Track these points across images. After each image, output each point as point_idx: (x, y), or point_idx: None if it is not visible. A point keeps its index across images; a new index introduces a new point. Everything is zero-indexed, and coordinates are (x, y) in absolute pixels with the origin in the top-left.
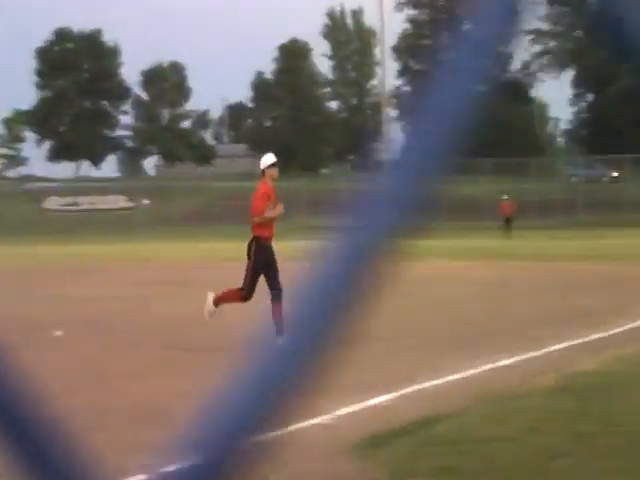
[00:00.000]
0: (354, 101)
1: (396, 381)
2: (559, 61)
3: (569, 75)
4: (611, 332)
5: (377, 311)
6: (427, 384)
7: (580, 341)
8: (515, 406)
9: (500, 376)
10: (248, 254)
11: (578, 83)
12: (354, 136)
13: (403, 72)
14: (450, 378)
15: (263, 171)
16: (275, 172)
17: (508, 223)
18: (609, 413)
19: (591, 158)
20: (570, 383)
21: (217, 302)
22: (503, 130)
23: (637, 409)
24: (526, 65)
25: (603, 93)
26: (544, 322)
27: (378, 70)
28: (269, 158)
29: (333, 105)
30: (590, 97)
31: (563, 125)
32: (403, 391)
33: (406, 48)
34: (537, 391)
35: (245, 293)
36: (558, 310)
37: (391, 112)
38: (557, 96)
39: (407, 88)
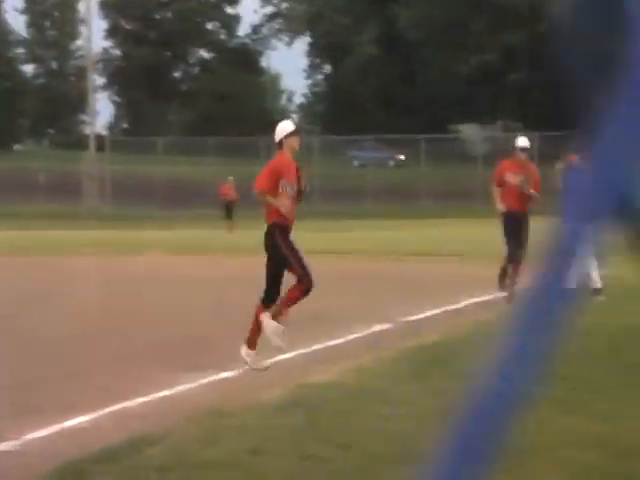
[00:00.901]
0: (54, 65)
1: (99, 398)
2: (292, 26)
3: (304, 42)
4: (349, 337)
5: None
6: (136, 401)
7: (314, 348)
8: (236, 424)
9: (220, 390)
10: (267, 247)
11: (314, 52)
12: (54, 106)
13: (112, 32)
14: (163, 394)
15: (280, 142)
16: (296, 142)
17: (229, 210)
18: (341, 432)
19: (378, 138)
20: (299, 397)
21: (278, 314)
22: (230, 104)
23: (370, 427)
24: (255, 29)
25: (341, 64)
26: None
27: (83, 29)
28: (287, 125)
29: (28, 69)
30: (327, 68)
31: (298, 99)
32: (108, 410)
33: (116, 4)
34: (262, 407)
35: (306, 282)
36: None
37: (98, 79)
38: (291, 66)
39: (117, 51)
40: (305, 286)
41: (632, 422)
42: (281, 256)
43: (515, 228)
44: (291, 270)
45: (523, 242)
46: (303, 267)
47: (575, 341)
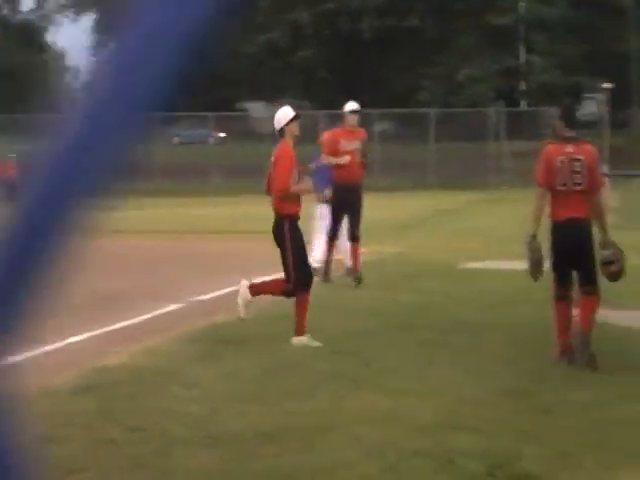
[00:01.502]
0: None
1: None
2: (78, 2)
3: (90, 19)
4: (141, 319)
5: None
6: None
7: (105, 330)
8: (28, 410)
9: (7, 375)
10: (277, 240)
11: (100, 29)
12: None
13: None
14: None
15: (282, 130)
16: (296, 127)
17: (11, 191)
18: (136, 415)
19: (167, 116)
20: (92, 381)
21: (255, 291)
22: (12, 80)
23: (165, 410)
24: (40, 5)
25: None
26: (65, 308)
27: None
28: (288, 111)
29: None
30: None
31: (83, 77)
32: None
33: None
34: (54, 392)
35: (290, 288)
36: (82, 294)
37: None
38: (76, 43)
39: None
40: (287, 289)
41: (423, 398)
42: (289, 251)
43: (349, 203)
44: (285, 266)
45: (357, 218)
46: (297, 271)
47: (366, 318)
